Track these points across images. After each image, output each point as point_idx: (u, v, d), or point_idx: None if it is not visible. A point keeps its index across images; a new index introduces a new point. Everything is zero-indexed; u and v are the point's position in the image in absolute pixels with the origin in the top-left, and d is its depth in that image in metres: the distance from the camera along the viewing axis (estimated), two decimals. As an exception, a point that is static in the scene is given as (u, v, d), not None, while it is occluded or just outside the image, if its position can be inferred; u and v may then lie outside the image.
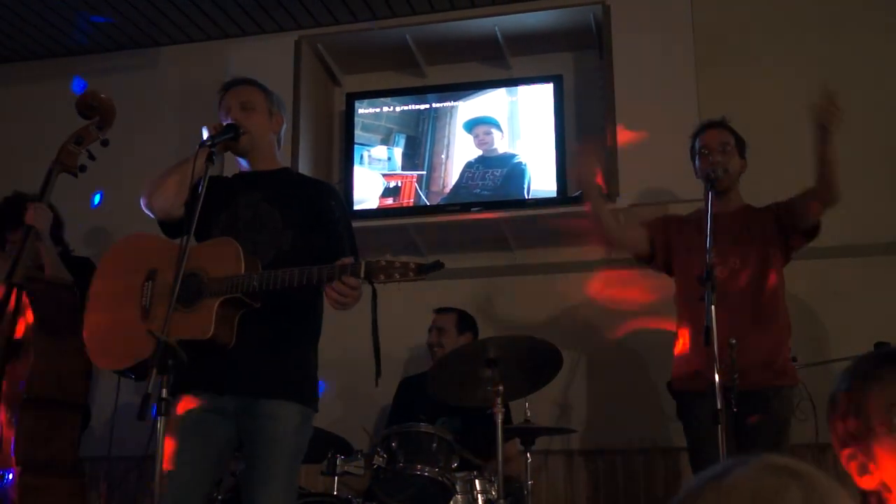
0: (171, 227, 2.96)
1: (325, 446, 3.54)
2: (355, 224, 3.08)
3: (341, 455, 3.49)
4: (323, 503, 3.48)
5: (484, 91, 4.84)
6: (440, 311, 4.38)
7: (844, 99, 4.46)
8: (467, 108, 4.83)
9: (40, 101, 5.47)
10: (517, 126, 4.75)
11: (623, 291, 4.63)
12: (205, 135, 2.86)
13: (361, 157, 4.88)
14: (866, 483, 1.46)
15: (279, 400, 2.72)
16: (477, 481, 3.49)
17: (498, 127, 4.77)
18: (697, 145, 3.55)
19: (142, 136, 5.20)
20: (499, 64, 5.01)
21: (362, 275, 2.50)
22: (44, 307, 3.60)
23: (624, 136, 4.41)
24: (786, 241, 3.45)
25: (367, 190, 4.83)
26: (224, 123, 2.91)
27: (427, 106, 4.88)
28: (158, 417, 2.36)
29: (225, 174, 3.30)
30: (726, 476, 0.94)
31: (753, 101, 4.56)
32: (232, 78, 3.15)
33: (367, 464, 3.45)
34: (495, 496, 3.35)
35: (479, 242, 4.81)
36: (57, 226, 3.90)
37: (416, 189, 4.79)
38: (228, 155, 3.09)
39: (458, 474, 3.46)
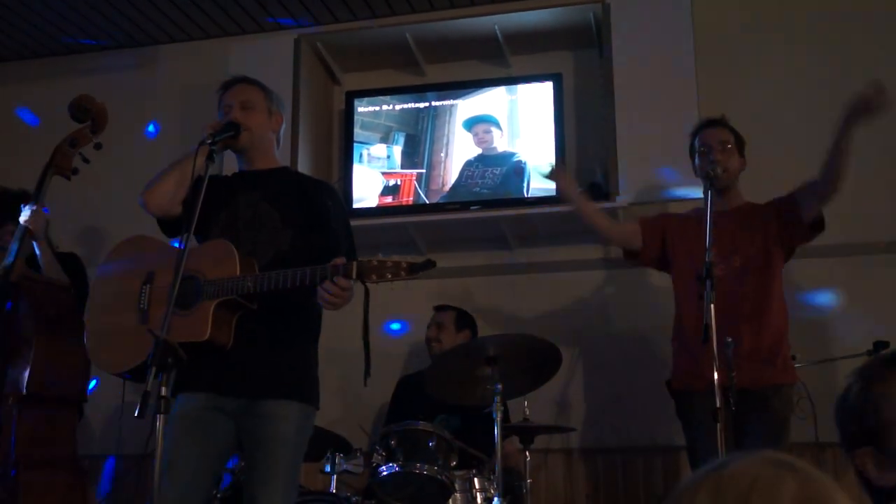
0: (169, 225, 2.97)
1: (324, 445, 3.56)
2: (354, 222, 3.09)
3: (340, 453, 3.51)
4: (322, 501, 3.48)
5: (483, 89, 4.84)
6: (440, 308, 4.39)
7: (844, 97, 4.49)
8: (467, 106, 4.83)
9: (40, 100, 5.48)
10: (517, 124, 4.75)
11: (622, 290, 4.64)
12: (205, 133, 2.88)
13: (361, 155, 4.88)
14: (884, 481, 1.47)
15: (279, 399, 2.73)
16: (476, 479, 3.49)
17: (497, 125, 4.77)
18: (697, 143, 3.55)
19: (141, 135, 5.22)
20: (498, 62, 5.01)
21: (353, 275, 2.51)
22: (41, 306, 3.62)
23: (623, 134, 4.40)
24: (789, 238, 3.44)
25: (367, 188, 4.83)
26: (224, 121, 2.91)
27: (426, 104, 4.88)
28: (157, 416, 2.36)
29: (224, 173, 3.31)
30: (725, 468, 0.96)
31: (753, 99, 4.56)
32: (231, 77, 3.15)
33: (366, 462, 3.47)
34: (494, 494, 3.36)
35: (478, 241, 4.82)
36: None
37: (416, 187, 4.79)
38: (228, 154, 3.10)
39: (457, 472, 3.46)
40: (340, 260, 2.55)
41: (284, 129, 3.13)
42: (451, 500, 3.43)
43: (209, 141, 2.76)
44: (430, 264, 2.50)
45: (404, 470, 3.35)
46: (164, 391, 2.36)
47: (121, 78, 5.46)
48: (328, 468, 3.50)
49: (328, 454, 3.50)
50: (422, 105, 4.88)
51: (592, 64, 4.86)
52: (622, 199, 4.36)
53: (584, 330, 4.64)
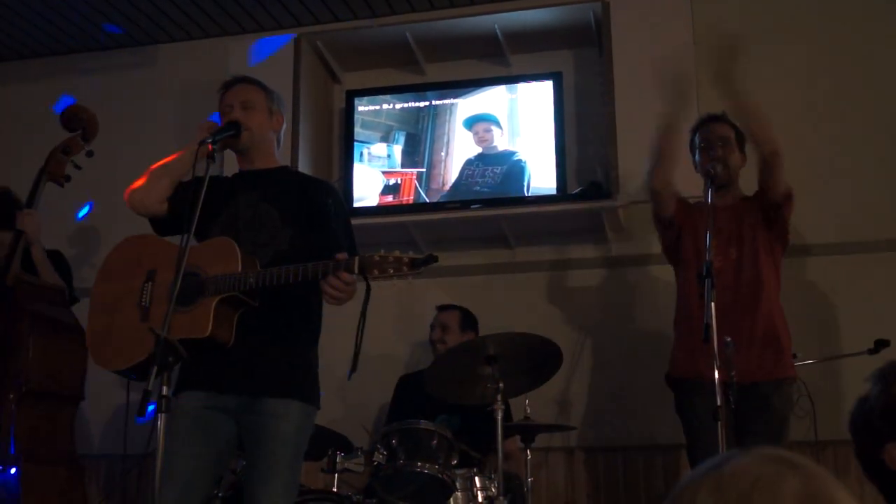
0: (160, 224, 2.99)
1: (325, 444, 3.54)
2: (355, 221, 3.09)
3: (341, 452, 3.50)
4: (323, 500, 3.46)
5: (484, 88, 4.84)
6: (443, 308, 4.38)
7: (844, 97, 4.50)
8: (467, 105, 4.83)
9: (39, 100, 5.47)
10: (517, 123, 4.75)
11: (622, 289, 4.65)
12: (199, 134, 2.88)
13: (361, 154, 4.88)
14: None
15: (280, 398, 2.73)
16: (477, 478, 3.49)
17: (498, 124, 4.77)
18: (697, 139, 3.56)
19: (141, 134, 5.21)
20: (498, 61, 5.01)
21: (356, 270, 2.51)
22: (37, 308, 3.68)
23: (623, 133, 4.40)
24: (772, 222, 3.43)
25: (367, 187, 4.83)
26: (224, 121, 2.92)
27: (427, 103, 4.88)
28: (158, 415, 2.36)
29: (224, 173, 3.31)
30: (725, 465, 0.95)
31: (752, 96, 4.55)
32: (232, 76, 3.16)
33: (367, 461, 3.46)
34: (495, 493, 3.36)
35: (478, 240, 4.82)
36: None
37: (416, 186, 4.79)
38: (228, 154, 3.11)
39: (458, 471, 3.47)
40: (343, 255, 2.56)
41: (285, 128, 3.13)
42: (452, 499, 3.43)
43: (209, 140, 2.76)
44: (432, 259, 2.49)
45: (405, 469, 3.36)
46: (165, 390, 2.36)
47: (121, 77, 5.47)
48: (329, 467, 3.48)
49: (329, 453, 3.48)
50: (422, 104, 4.88)
51: (592, 62, 4.86)
52: (622, 198, 4.36)
53: (585, 329, 4.65)
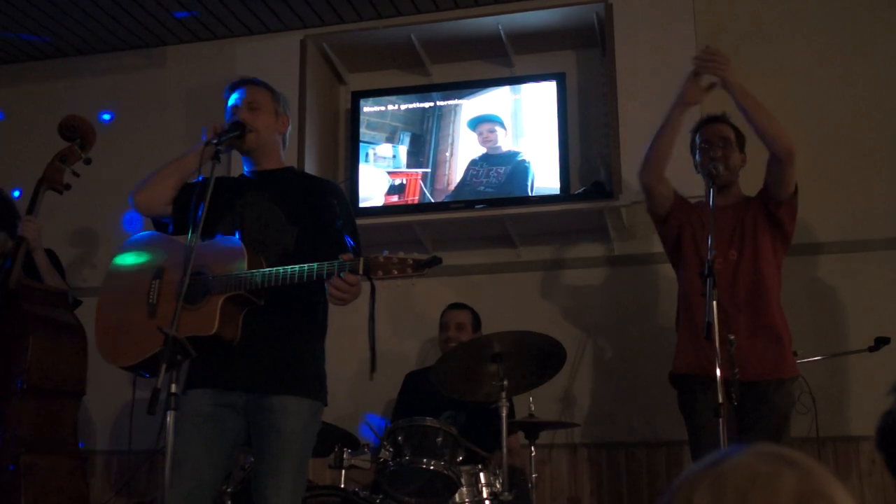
0: (164, 225, 3.01)
1: (332, 440, 3.59)
2: (361, 222, 3.11)
3: (348, 449, 3.54)
4: (330, 496, 3.50)
5: (488, 89, 4.84)
6: (456, 306, 4.39)
7: (843, 96, 4.51)
8: (471, 106, 4.84)
9: (50, 100, 5.50)
10: (521, 124, 4.76)
11: (625, 287, 4.66)
12: (204, 134, 2.90)
13: (367, 154, 4.89)
14: None
15: (288, 395, 2.75)
16: (482, 474, 3.52)
17: (502, 125, 4.78)
18: (698, 139, 3.56)
19: (149, 134, 5.25)
20: (502, 62, 5.01)
21: (361, 271, 2.52)
22: (38, 310, 3.77)
23: (626, 133, 4.40)
24: (777, 224, 3.43)
25: (373, 187, 4.84)
26: (229, 122, 2.94)
27: (431, 104, 4.89)
28: (167, 412, 2.38)
29: (230, 174, 3.35)
30: (722, 462, 0.95)
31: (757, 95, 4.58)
32: (239, 77, 3.18)
33: (373, 457, 3.48)
34: (500, 489, 3.40)
35: (483, 239, 4.84)
36: (14, 217, 4.07)
37: (421, 186, 4.80)
38: (234, 154, 3.14)
39: (464, 467, 3.48)
40: (348, 256, 2.57)
41: (290, 129, 3.14)
42: (457, 495, 3.45)
43: (215, 141, 2.79)
44: (435, 261, 2.51)
45: (411, 465, 3.37)
46: (174, 388, 2.39)
47: (130, 78, 5.50)
48: (336, 463, 3.52)
49: (336, 449, 3.51)
50: (427, 105, 4.89)
51: (595, 63, 4.87)
52: (625, 198, 4.37)
53: (588, 327, 4.66)
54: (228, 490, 3.42)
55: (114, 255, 2.99)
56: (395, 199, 4.81)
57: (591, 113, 4.84)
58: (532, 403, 3.70)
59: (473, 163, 4.76)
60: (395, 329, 4.74)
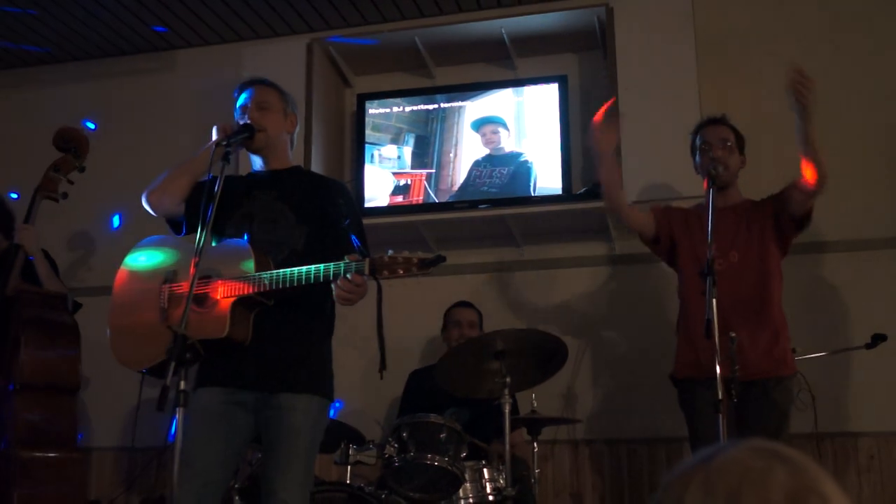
0: (177, 225, 3.04)
1: (338, 437, 3.60)
2: (366, 221, 3.12)
3: (354, 445, 3.56)
4: (337, 492, 3.50)
5: (491, 91, 4.87)
6: (464, 305, 4.42)
7: (842, 96, 4.54)
8: (475, 107, 4.86)
9: (61, 103, 5.54)
10: (523, 125, 4.78)
11: (626, 286, 4.68)
12: (214, 134, 2.95)
13: (372, 156, 4.91)
14: None
15: (296, 393, 2.78)
16: (485, 470, 3.54)
17: (505, 126, 4.80)
18: (698, 141, 3.59)
19: (160, 136, 5.28)
20: (505, 65, 5.04)
21: (367, 272, 2.55)
22: (33, 312, 3.83)
23: (626, 134, 4.36)
24: (782, 233, 3.48)
25: (378, 188, 4.86)
26: (240, 123, 2.97)
27: (436, 106, 4.92)
28: (177, 409, 2.42)
29: (238, 173, 3.39)
30: (714, 458, 0.96)
31: (753, 99, 4.59)
32: (249, 78, 3.21)
33: (378, 453, 3.50)
34: (503, 484, 3.42)
35: (486, 238, 4.86)
36: (9, 219, 4.14)
37: (426, 187, 4.83)
38: (243, 154, 3.15)
39: (467, 463, 3.51)
40: (354, 256, 2.59)
41: (298, 130, 3.17)
42: (461, 490, 3.48)
43: (224, 142, 2.82)
44: (440, 259, 2.53)
45: (416, 461, 3.39)
46: (183, 385, 2.41)
47: (142, 81, 5.54)
48: (342, 459, 3.54)
49: (342, 445, 3.54)
50: (431, 107, 4.92)
51: (596, 66, 4.89)
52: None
53: (590, 325, 4.68)
54: (236, 486, 3.45)
55: (126, 256, 3.01)
56: (399, 199, 4.84)
57: (592, 114, 4.65)
58: (534, 400, 3.74)
59: (477, 163, 4.79)
60: (400, 327, 4.76)
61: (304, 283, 2.63)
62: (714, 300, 2.87)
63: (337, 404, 4.35)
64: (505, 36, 4.83)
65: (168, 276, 2.84)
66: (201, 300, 2.69)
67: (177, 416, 2.44)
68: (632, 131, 4.39)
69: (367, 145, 4.94)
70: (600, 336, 4.70)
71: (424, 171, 4.86)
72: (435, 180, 4.84)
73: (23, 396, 3.67)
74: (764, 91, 4.60)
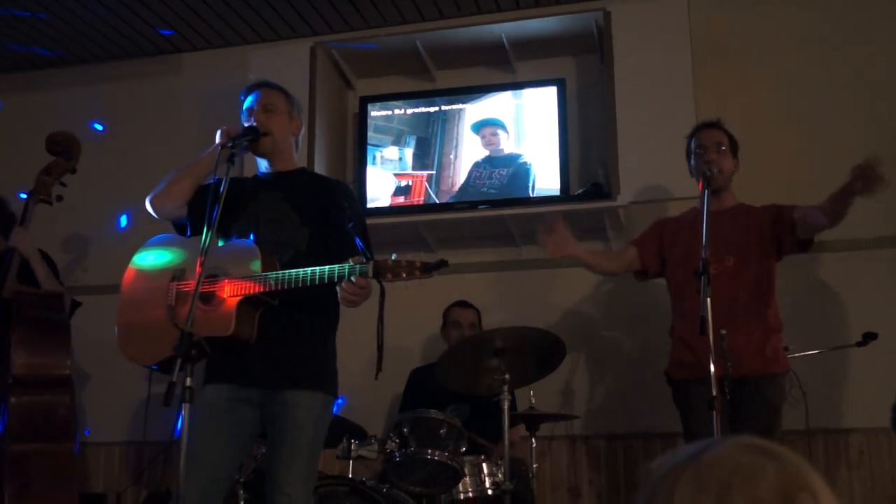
0: (182, 227, 3.07)
1: (341, 432, 3.65)
2: (368, 221, 3.15)
3: (356, 440, 3.59)
4: (339, 486, 3.54)
5: (490, 94, 4.90)
6: (463, 305, 4.45)
7: (837, 100, 4.57)
8: (475, 110, 4.89)
9: (71, 106, 5.58)
10: (522, 127, 4.81)
11: (624, 285, 4.64)
12: (217, 138, 2.98)
13: (374, 157, 4.95)
14: None
15: (301, 389, 2.82)
16: (484, 465, 3.58)
17: (504, 128, 4.83)
18: (693, 145, 3.62)
19: (165, 139, 5.32)
20: (504, 68, 5.07)
21: (371, 274, 2.57)
22: (28, 313, 3.84)
23: (624, 136, 4.47)
24: (780, 244, 3.50)
25: (380, 189, 4.90)
26: (245, 125, 3.01)
27: (436, 108, 4.95)
28: (183, 404, 2.44)
29: (243, 174, 3.43)
30: (703, 454, 0.95)
31: (748, 103, 4.63)
32: (255, 80, 3.25)
33: (380, 448, 3.54)
34: (502, 479, 3.45)
35: (486, 238, 4.90)
36: (9, 219, 4.18)
37: (426, 188, 4.86)
38: (248, 157, 3.18)
39: (467, 458, 3.55)
40: (358, 259, 2.61)
41: (303, 132, 3.21)
42: (461, 485, 3.53)
43: (229, 144, 2.86)
44: (443, 264, 2.56)
45: (416, 456, 3.44)
46: (189, 381, 2.42)
47: (147, 84, 5.58)
48: (344, 454, 3.57)
49: (345, 440, 3.57)
50: (432, 109, 4.96)
51: (594, 69, 4.92)
52: (622, 199, 4.43)
53: (588, 323, 4.73)
54: (241, 480, 3.49)
55: (134, 255, 3.04)
56: (401, 199, 4.88)
57: (590, 117, 4.88)
58: (533, 396, 3.78)
59: (477, 165, 4.83)
60: (401, 326, 4.80)
61: (309, 284, 2.66)
62: (708, 299, 2.89)
63: (340, 401, 4.40)
64: (504, 40, 4.87)
65: (176, 274, 2.86)
66: (208, 298, 2.72)
67: (183, 411, 2.46)
68: (628, 134, 4.46)
69: (368, 147, 4.97)
70: (598, 334, 4.74)
71: (425, 173, 4.90)
72: (435, 181, 4.87)
73: (14, 391, 3.67)
74: (759, 96, 4.64)
